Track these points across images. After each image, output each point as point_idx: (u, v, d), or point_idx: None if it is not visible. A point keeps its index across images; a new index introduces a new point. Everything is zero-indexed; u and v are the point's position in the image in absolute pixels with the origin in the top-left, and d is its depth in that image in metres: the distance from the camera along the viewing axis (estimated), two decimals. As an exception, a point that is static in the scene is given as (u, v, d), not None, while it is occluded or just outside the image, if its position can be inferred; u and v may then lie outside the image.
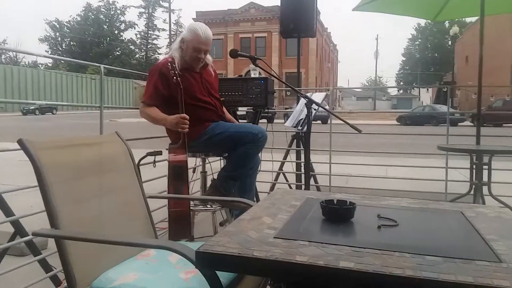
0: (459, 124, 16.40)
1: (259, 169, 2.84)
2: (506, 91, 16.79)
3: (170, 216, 2.23)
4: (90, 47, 56.42)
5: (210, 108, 2.60)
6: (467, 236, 1.05)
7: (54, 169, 1.31)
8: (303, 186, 3.08)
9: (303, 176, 3.36)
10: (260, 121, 3.60)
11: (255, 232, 1.06)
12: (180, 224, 2.25)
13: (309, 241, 0.99)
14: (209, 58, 2.64)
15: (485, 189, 3.04)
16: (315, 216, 1.21)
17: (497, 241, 1.02)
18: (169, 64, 2.40)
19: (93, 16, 59.87)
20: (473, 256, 0.91)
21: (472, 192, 3.10)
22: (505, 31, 25.18)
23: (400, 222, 1.15)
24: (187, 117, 2.37)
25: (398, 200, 1.44)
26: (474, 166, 3.10)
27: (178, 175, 2.28)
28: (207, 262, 0.95)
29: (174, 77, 2.33)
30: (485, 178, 3.05)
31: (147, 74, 2.62)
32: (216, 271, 1.06)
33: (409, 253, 0.91)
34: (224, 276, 1.22)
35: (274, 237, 1.02)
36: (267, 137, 2.58)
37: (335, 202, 1.23)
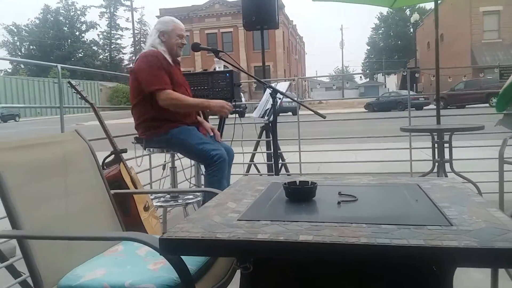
0: (424, 108, 16.87)
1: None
2: (467, 71, 17.39)
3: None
4: (50, 50, 54.57)
5: None
6: (421, 205, 1.10)
7: (11, 170, 1.28)
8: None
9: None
10: (231, 115, 3.61)
11: (219, 217, 1.08)
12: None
13: (271, 221, 1.01)
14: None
15: (447, 167, 3.16)
16: (279, 198, 1.23)
17: (449, 208, 1.07)
18: (161, 55, 2.47)
19: (52, 18, 57.89)
20: (425, 222, 0.96)
21: (435, 170, 3.22)
22: (464, 16, 26.05)
23: (359, 198, 1.19)
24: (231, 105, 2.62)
25: (358, 178, 1.48)
26: (436, 145, 3.21)
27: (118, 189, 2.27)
28: (172, 248, 0.96)
29: (167, 68, 2.44)
30: (447, 156, 3.17)
31: (136, 66, 2.53)
32: (185, 259, 1.08)
33: (365, 223, 0.95)
34: (192, 264, 1.23)
35: (238, 220, 1.04)
36: (225, 159, 2.44)
37: (297, 183, 1.27)
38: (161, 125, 2.48)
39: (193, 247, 0.94)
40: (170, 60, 2.53)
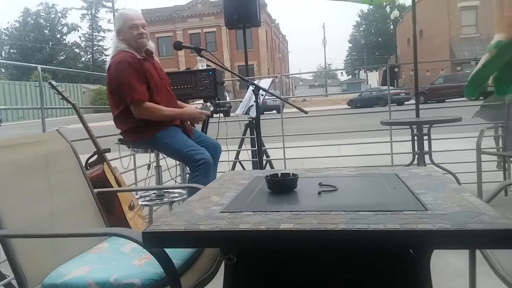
0: (405, 103, 17.13)
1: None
2: (444, 66, 17.68)
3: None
4: (32, 54, 53.57)
5: (169, 99, 2.59)
6: (398, 193, 1.13)
7: (-8, 170, 1.27)
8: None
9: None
10: (215, 115, 3.61)
11: (203, 210, 1.09)
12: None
13: (253, 211, 1.03)
14: (151, 45, 2.59)
15: (427, 159, 3.23)
16: (261, 191, 1.25)
17: (425, 194, 1.11)
18: (132, 57, 2.39)
19: (32, 21, 56.81)
20: (402, 208, 0.99)
21: (415, 162, 3.29)
22: (442, 11, 26.49)
23: (339, 187, 1.22)
24: (206, 112, 2.63)
25: (339, 170, 1.51)
26: (416, 138, 3.28)
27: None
28: (155, 242, 0.97)
29: (142, 70, 2.39)
30: (426, 148, 3.24)
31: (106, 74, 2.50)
32: (170, 254, 1.09)
33: (344, 211, 0.98)
34: (177, 258, 1.25)
35: (221, 212, 1.06)
36: (210, 163, 2.42)
37: (279, 175, 1.29)
38: (146, 130, 2.47)
39: (177, 239, 0.95)
40: (139, 56, 2.44)
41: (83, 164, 1.82)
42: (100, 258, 1.33)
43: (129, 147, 2.65)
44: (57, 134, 1.63)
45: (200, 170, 2.38)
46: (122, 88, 2.38)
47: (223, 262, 1.06)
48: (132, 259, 1.28)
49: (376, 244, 0.88)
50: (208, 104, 2.78)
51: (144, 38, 2.47)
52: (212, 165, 2.46)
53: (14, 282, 2.07)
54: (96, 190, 1.67)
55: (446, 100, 17.11)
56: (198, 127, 3.01)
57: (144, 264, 1.22)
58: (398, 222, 0.89)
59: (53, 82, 2.38)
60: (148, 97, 2.41)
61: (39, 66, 2.44)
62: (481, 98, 4.21)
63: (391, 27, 46.77)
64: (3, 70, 51.43)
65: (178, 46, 2.58)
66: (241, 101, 3.70)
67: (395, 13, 31.38)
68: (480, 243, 0.89)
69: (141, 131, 2.48)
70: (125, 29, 2.44)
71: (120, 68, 2.37)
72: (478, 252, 1.41)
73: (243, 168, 4.15)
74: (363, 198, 1.12)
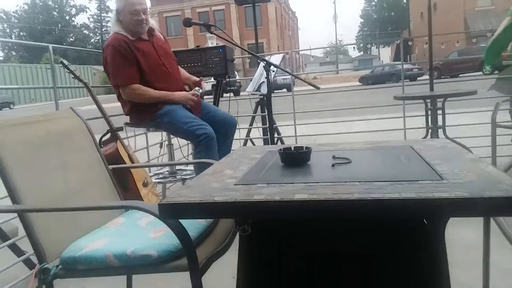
0: (418, 78, 16.85)
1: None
2: (459, 38, 17.28)
3: None
4: (41, 36, 53.72)
5: (167, 78, 2.55)
6: (413, 164, 1.12)
7: (9, 146, 1.29)
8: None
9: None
10: (226, 94, 3.60)
11: (216, 183, 1.10)
12: None
13: (267, 183, 1.03)
14: (152, 22, 2.56)
15: (441, 133, 3.19)
16: (274, 164, 1.25)
17: (440, 164, 1.09)
18: (119, 40, 2.36)
19: (41, 3, 56.81)
20: (417, 177, 0.98)
21: (429, 137, 3.25)
22: (457, -16, 25.71)
23: (353, 160, 1.21)
24: (197, 93, 2.52)
25: (352, 144, 1.50)
26: (429, 112, 3.23)
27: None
28: (170, 213, 0.98)
29: (129, 52, 2.34)
30: (440, 123, 3.20)
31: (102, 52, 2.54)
32: (185, 226, 1.11)
33: (359, 181, 0.98)
34: (193, 230, 1.26)
35: (235, 184, 1.06)
36: (212, 137, 2.38)
37: (292, 149, 1.29)
38: (146, 109, 2.47)
39: (192, 210, 0.96)
40: (131, 38, 2.42)
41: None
42: (117, 231, 1.36)
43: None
44: (71, 112, 1.65)
45: (202, 145, 2.34)
46: (110, 72, 2.43)
47: (238, 233, 1.07)
48: (148, 232, 1.31)
49: (391, 214, 0.88)
50: (197, 88, 2.71)
51: (144, 24, 2.45)
52: (215, 139, 2.40)
53: (33, 258, 2.14)
54: (111, 167, 1.69)
55: (460, 75, 16.78)
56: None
57: (160, 236, 1.24)
58: (413, 191, 0.88)
59: (65, 62, 2.39)
60: (137, 79, 2.39)
61: (50, 46, 2.44)
62: (496, 72, 4.11)
63: (404, 0, 45.60)
64: (13, 53, 51.79)
65: (187, 23, 2.56)
66: (251, 79, 3.67)
67: (408, -14, 30.51)
68: (497, 210, 0.88)
69: (140, 111, 2.48)
70: (125, 12, 2.41)
71: (107, 53, 2.41)
72: (492, 225, 1.40)
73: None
74: (377, 170, 1.12)
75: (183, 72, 2.81)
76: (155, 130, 2.79)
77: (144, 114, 2.48)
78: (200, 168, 2.35)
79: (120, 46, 2.36)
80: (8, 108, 31.06)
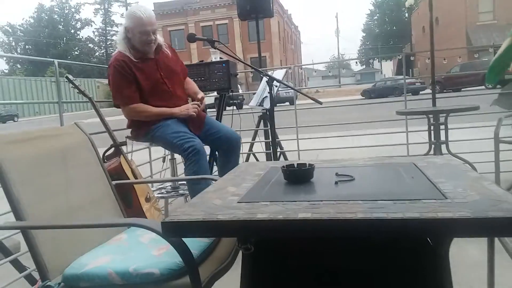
0: (421, 92, 16.88)
1: None
2: (462, 53, 17.36)
3: None
4: (46, 49, 54.41)
5: (169, 97, 2.53)
6: (416, 182, 1.12)
7: (13, 162, 1.30)
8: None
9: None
10: (228, 108, 3.61)
11: (220, 200, 1.10)
12: None
13: (270, 201, 1.03)
14: (159, 38, 2.54)
15: (444, 148, 3.19)
16: (277, 181, 1.25)
17: (444, 183, 1.09)
18: (119, 61, 2.38)
19: (46, 17, 57.66)
20: (421, 196, 0.98)
21: (431, 152, 3.25)
22: (458, -2, 25.93)
23: (356, 177, 1.21)
24: (196, 103, 2.52)
25: (355, 160, 1.50)
26: (432, 127, 3.23)
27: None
28: (174, 231, 0.98)
29: (129, 73, 2.38)
30: (443, 138, 3.19)
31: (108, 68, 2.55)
32: (188, 244, 1.10)
33: (362, 200, 0.97)
34: (195, 248, 1.26)
35: (238, 202, 1.06)
36: (200, 151, 2.31)
37: (295, 166, 1.29)
38: (142, 123, 2.49)
39: (195, 229, 0.96)
40: (134, 59, 2.40)
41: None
42: (119, 248, 1.35)
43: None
44: (75, 127, 1.66)
45: (190, 159, 2.28)
46: (111, 91, 2.47)
47: (240, 252, 1.06)
48: (151, 250, 1.30)
49: (395, 233, 0.88)
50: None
51: (152, 44, 2.44)
52: (203, 152, 2.34)
53: (35, 274, 2.13)
54: (114, 183, 1.69)
55: (463, 89, 16.81)
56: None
57: (163, 254, 1.24)
58: (417, 210, 0.88)
59: (70, 77, 2.41)
60: (136, 99, 2.41)
61: (55, 61, 2.47)
62: (498, 86, 4.12)
63: (406, 15, 45.99)
64: (19, 66, 52.30)
65: (191, 38, 2.59)
66: (254, 94, 3.69)
67: (410, 1, 30.78)
68: (501, 231, 0.87)
69: (137, 126, 2.51)
70: (134, 31, 2.39)
71: (108, 72, 2.45)
72: (496, 243, 1.39)
73: (257, 160, 4.15)
74: (380, 187, 1.11)
75: (193, 86, 2.79)
76: (156, 144, 2.80)
77: (140, 128, 2.50)
78: (193, 182, 2.36)
79: (120, 67, 2.38)
80: (12, 121, 31.27)
